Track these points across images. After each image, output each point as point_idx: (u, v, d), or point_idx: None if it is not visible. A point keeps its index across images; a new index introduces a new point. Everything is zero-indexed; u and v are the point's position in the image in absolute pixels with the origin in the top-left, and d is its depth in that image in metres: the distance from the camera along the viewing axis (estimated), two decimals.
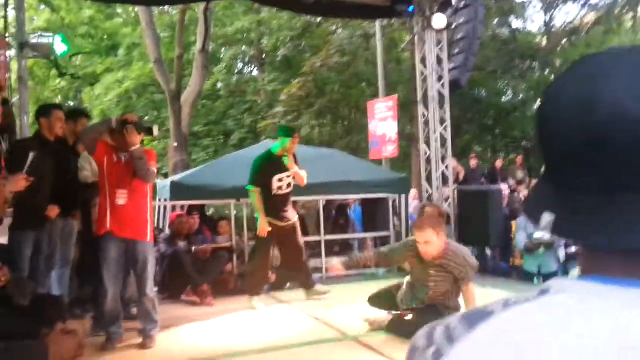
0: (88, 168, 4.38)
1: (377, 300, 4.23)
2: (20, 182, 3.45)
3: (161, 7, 18.95)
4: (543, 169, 0.54)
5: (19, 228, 4.12)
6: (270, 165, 5.11)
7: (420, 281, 3.94)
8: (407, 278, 4.17)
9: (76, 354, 1.83)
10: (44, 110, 4.42)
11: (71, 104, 19.88)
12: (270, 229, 5.10)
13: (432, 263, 3.82)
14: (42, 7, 19.83)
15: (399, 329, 3.82)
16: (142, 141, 4.02)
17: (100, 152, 3.85)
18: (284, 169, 5.09)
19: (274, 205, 5.14)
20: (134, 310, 4.42)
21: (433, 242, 3.73)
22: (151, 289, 3.95)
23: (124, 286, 4.41)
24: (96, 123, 3.98)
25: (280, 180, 5.12)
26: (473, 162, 10.50)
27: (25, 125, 5.83)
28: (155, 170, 4.03)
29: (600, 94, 0.45)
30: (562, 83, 0.50)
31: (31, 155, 3.74)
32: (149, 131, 3.96)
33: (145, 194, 3.93)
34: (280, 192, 5.15)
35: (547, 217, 0.50)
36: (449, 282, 3.85)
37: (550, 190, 0.51)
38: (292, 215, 5.29)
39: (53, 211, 4.27)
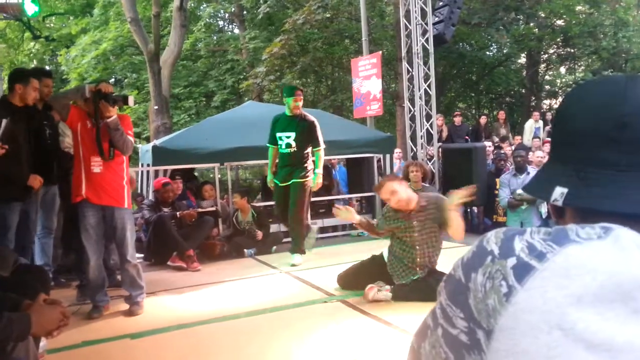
0: (69, 134, 4.25)
1: (348, 281, 4.22)
2: None
3: None
4: (553, 154, 0.69)
5: (2, 199, 4.00)
6: (277, 125, 5.36)
7: (405, 243, 3.96)
8: (386, 252, 4.17)
9: (60, 324, 1.79)
10: (22, 76, 4.22)
11: (47, 67, 19.31)
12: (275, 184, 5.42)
13: (412, 215, 3.89)
14: None
15: (407, 295, 3.83)
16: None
17: (74, 118, 3.73)
18: (286, 128, 5.26)
19: (279, 163, 5.40)
20: (120, 277, 4.41)
21: (397, 189, 3.84)
22: (132, 256, 3.91)
23: (107, 253, 4.39)
24: (68, 89, 3.81)
25: (280, 139, 5.31)
26: (457, 120, 10.47)
27: None
28: (133, 140, 3.92)
29: (628, 93, 0.62)
30: (588, 87, 0.68)
31: (3, 122, 3.60)
32: (125, 100, 3.82)
33: (121, 161, 3.85)
34: (281, 150, 5.33)
35: (558, 190, 0.64)
36: (432, 229, 3.91)
37: (561, 170, 0.65)
38: (295, 176, 5.23)
39: (35, 181, 4.16)
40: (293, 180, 5.23)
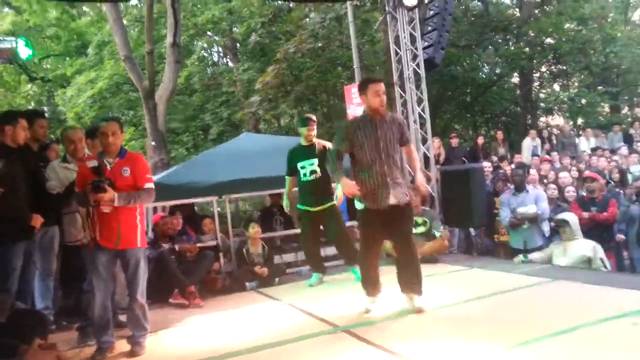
0: (54, 177, 4.28)
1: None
2: None
3: (128, 2, 18.58)
4: None
5: (4, 241, 3.97)
6: (295, 155, 5.57)
7: (369, 155, 3.94)
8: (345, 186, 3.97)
9: None
10: (10, 117, 4.24)
11: (45, 108, 19.45)
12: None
13: (380, 119, 3.95)
14: (6, 9, 19.32)
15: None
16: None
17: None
18: (306, 156, 5.48)
19: (304, 191, 5.58)
20: (122, 317, 4.34)
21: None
22: (142, 294, 3.87)
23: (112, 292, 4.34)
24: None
25: (302, 167, 5.50)
26: (454, 141, 10.51)
27: None
28: (151, 185, 3.87)
29: None
30: None
31: None
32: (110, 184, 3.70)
33: None
34: (304, 178, 5.50)
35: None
36: (395, 136, 3.97)
37: None
38: (328, 199, 5.50)
39: (37, 221, 4.15)
40: (329, 204, 5.47)
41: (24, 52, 6.02)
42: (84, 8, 20.46)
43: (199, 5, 16.57)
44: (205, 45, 17.12)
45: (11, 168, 3.88)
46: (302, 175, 5.52)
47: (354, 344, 3.56)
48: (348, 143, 3.99)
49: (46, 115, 14.56)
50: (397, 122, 4.07)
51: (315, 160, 5.46)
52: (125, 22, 14.80)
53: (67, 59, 19.32)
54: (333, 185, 5.50)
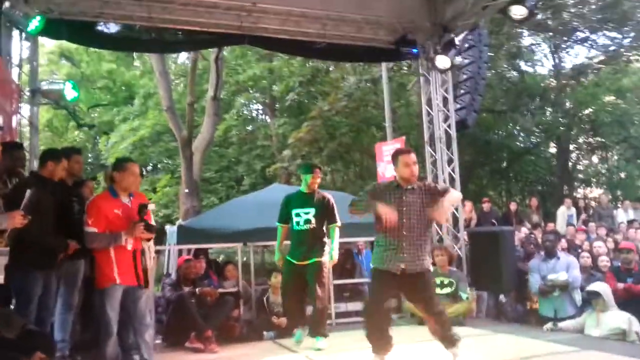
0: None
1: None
2: (16, 219, 3.41)
3: (175, 56, 19.61)
4: None
5: (26, 268, 4.05)
6: (291, 202, 5.27)
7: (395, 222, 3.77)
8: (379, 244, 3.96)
9: None
10: (55, 155, 4.46)
11: (89, 154, 20.29)
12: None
13: (408, 188, 3.89)
14: (63, 61, 20.60)
15: None
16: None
17: (129, 214, 3.99)
18: (303, 204, 5.18)
19: (294, 241, 5.22)
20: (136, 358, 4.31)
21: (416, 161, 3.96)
22: (150, 336, 3.91)
23: (125, 330, 4.34)
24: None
25: (297, 215, 5.16)
26: (486, 206, 10.37)
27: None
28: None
29: None
30: None
31: (28, 192, 3.73)
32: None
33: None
34: (297, 227, 5.17)
35: None
36: (421, 206, 3.87)
37: None
38: (315, 255, 5.09)
39: (72, 247, 4.25)
40: (313, 260, 5.08)
41: (70, 94, 6.37)
42: (135, 63, 21.72)
43: (241, 63, 17.30)
44: (245, 100, 17.74)
45: (41, 197, 4.01)
46: (294, 224, 5.18)
47: None
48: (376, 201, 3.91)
49: (90, 160, 15.19)
50: (426, 187, 4.00)
51: (313, 210, 5.15)
52: (172, 76, 15.59)
53: (115, 109, 20.28)
54: (327, 241, 5.20)
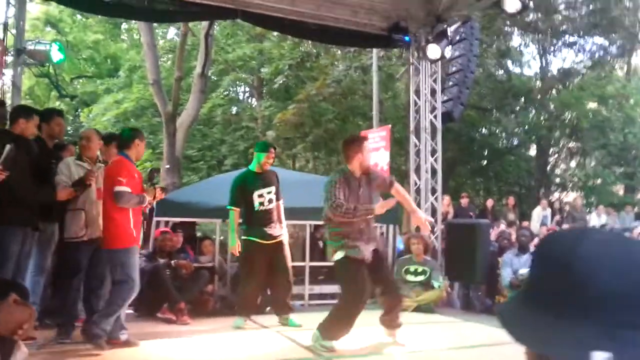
0: (65, 172, 4.26)
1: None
2: None
3: (164, 31, 19.32)
4: (572, 315, 0.63)
5: (5, 224, 3.96)
6: (248, 182, 5.09)
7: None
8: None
9: (25, 325, 1.73)
10: (26, 112, 4.29)
11: (69, 126, 19.90)
12: (240, 248, 5.05)
13: (361, 178, 4.10)
14: (48, 28, 20.16)
15: None
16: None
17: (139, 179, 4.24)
18: (263, 184, 5.06)
19: (259, 222, 5.02)
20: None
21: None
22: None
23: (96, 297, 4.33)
24: None
25: (260, 196, 5.04)
26: (464, 201, 10.51)
27: None
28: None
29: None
30: (606, 249, 0.65)
31: (7, 148, 3.65)
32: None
33: None
34: (262, 207, 5.04)
35: (599, 356, 0.59)
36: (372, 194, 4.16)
37: (592, 332, 0.61)
38: (278, 232, 5.09)
39: (65, 192, 4.15)
40: (281, 238, 5.07)
41: (56, 55, 6.26)
42: (123, 36, 21.36)
43: (231, 43, 17.12)
44: (232, 80, 17.58)
45: (20, 155, 3.91)
46: (257, 205, 5.01)
47: None
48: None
49: (70, 131, 14.95)
50: (375, 176, 4.22)
51: (273, 188, 5.07)
52: (159, 52, 15.35)
53: (98, 80, 19.92)
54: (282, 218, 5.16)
